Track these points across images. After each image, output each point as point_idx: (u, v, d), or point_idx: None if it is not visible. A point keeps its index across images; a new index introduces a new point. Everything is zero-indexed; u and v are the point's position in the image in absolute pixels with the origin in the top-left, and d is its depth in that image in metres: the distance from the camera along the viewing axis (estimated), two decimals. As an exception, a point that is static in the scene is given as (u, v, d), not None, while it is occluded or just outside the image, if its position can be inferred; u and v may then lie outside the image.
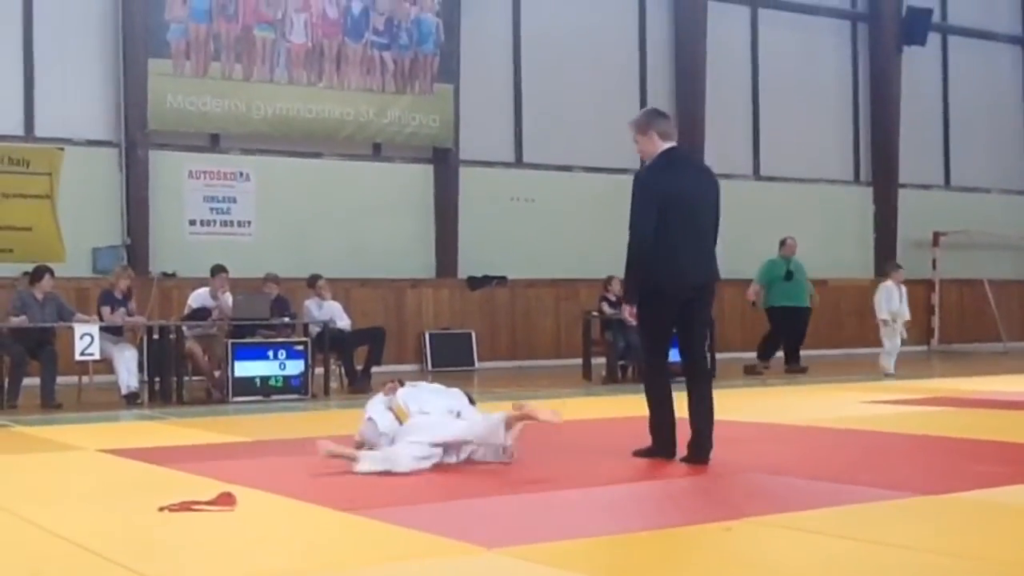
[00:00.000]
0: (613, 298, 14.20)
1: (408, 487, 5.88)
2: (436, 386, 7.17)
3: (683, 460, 6.61)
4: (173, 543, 4.51)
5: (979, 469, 6.26)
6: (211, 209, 16.78)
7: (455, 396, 7.03)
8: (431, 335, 17.62)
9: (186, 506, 5.11)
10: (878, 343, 14.83)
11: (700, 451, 6.57)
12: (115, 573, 3.98)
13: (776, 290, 15.61)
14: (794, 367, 15.39)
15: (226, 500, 5.21)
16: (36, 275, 11.89)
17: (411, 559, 4.18)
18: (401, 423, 6.66)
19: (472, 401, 7.05)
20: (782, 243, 15.99)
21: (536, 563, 4.01)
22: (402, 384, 7.02)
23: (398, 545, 4.46)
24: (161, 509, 5.08)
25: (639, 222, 6.64)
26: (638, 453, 6.87)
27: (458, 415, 6.76)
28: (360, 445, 6.90)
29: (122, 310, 12.14)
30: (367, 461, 6.33)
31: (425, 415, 6.66)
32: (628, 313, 6.89)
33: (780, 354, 15.80)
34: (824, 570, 3.91)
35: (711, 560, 4.07)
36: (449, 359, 17.25)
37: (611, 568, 3.94)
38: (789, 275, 15.61)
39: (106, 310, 12.12)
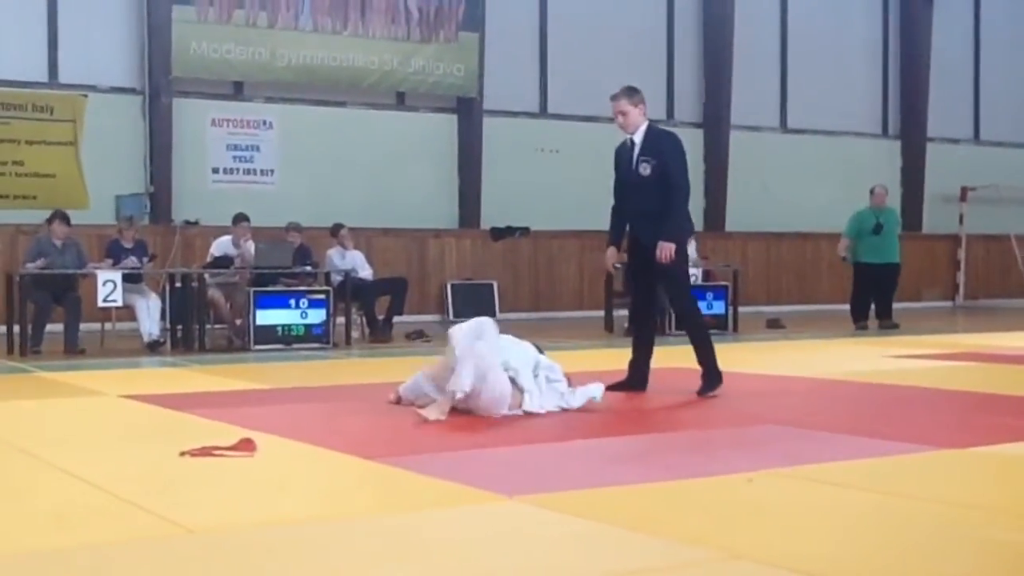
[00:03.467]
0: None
1: (429, 436, 5.89)
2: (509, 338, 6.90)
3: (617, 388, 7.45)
4: (194, 487, 4.52)
5: (1001, 423, 6.22)
6: (234, 157, 16.78)
7: (526, 349, 6.83)
8: (453, 285, 17.60)
9: (207, 451, 5.13)
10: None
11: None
12: (136, 516, 4.00)
13: (863, 245, 14.50)
14: (887, 323, 14.40)
15: (246, 446, 5.23)
16: (50, 221, 11.94)
17: (431, 507, 4.18)
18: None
19: (540, 351, 6.89)
20: (871, 192, 14.79)
21: (557, 511, 4.00)
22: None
23: (418, 493, 4.46)
24: (182, 454, 5.11)
25: (685, 177, 7.59)
26: (615, 387, 7.39)
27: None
28: (398, 399, 6.88)
29: (132, 259, 12.13)
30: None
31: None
32: (671, 252, 7.37)
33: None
34: (846, 522, 3.90)
35: (732, 510, 4.06)
36: (471, 310, 17.12)
37: (632, 517, 3.93)
38: (878, 228, 14.39)
39: (109, 262, 12.04)
